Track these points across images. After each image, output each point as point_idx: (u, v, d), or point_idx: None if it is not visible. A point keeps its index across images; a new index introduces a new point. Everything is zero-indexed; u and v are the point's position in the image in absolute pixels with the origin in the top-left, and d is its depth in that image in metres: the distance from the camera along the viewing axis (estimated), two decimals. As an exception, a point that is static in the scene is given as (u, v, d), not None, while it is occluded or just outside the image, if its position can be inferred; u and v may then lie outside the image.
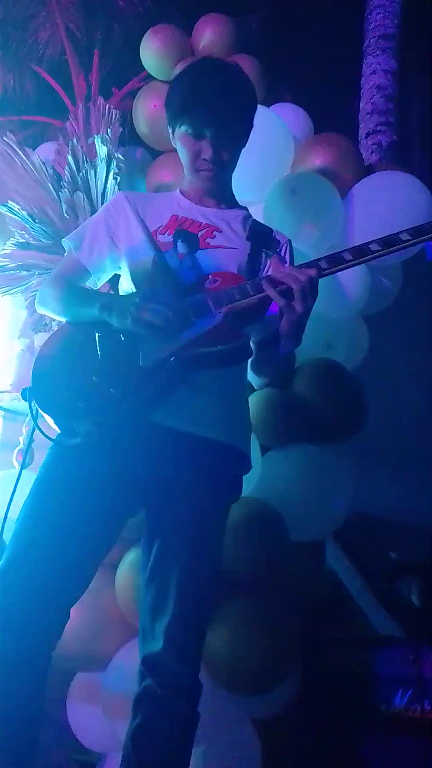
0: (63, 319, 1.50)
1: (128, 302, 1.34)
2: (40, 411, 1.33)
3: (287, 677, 1.86)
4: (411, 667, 1.90)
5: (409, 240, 1.37)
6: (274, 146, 2.38)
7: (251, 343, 1.51)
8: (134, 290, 1.49)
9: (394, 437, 2.81)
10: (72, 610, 1.35)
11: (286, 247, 1.58)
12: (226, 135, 1.47)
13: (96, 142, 2.59)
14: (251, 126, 1.54)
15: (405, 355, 2.82)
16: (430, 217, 2.39)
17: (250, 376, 1.60)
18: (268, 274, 1.45)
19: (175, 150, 1.56)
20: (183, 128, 1.47)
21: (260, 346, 1.53)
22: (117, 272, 1.59)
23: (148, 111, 2.83)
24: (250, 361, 1.54)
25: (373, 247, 1.36)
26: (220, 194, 1.59)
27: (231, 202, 1.61)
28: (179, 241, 1.49)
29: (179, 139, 1.50)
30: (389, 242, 1.37)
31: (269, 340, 1.50)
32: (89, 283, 1.61)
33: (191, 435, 1.38)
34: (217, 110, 1.44)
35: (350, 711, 1.93)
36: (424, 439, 2.93)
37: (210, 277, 1.42)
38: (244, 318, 1.38)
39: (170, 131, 1.53)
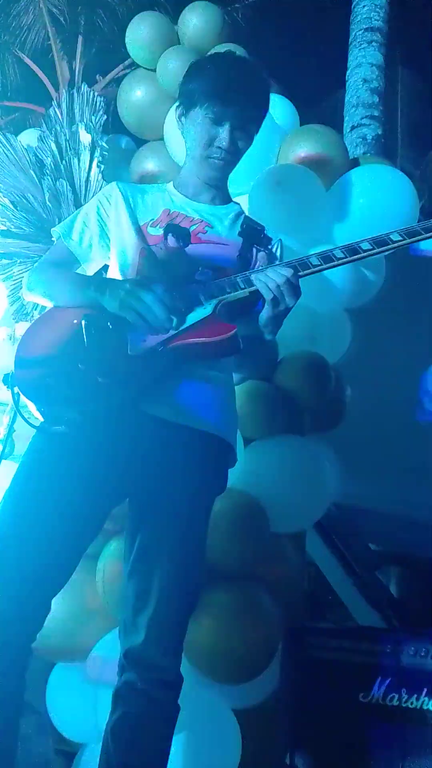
0: (50, 304, 1.48)
1: (120, 287, 1.33)
2: (22, 398, 1.32)
3: (267, 667, 1.88)
4: (390, 657, 1.92)
5: (399, 241, 1.37)
6: (260, 137, 2.36)
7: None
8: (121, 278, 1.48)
9: (375, 429, 2.83)
10: (53, 600, 1.34)
11: (278, 246, 1.59)
12: (245, 126, 1.49)
13: (80, 130, 2.56)
14: (260, 127, 1.55)
15: (387, 348, 2.85)
16: (414, 211, 2.42)
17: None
18: (258, 267, 1.45)
19: (159, 138, 1.55)
20: (203, 111, 1.47)
21: (251, 338, 1.53)
22: (106, 262, 1.58)
23: (133, 99, 2.80)
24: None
25: (365, 246, 1.36)
26: (218, 188, 1.59)
27: (225, 199, 1.62)
28: (170, 234, 1.48)
29: (194, 122, 1.49)
30: (380, 243, 1.36)
31: (252, 336, 1.50)
32: (79, 272, 1.60)
33: (178, 425, 1.38)
34: (243, 100, 1.46)
35: (329, 700, 1.95)
36: (404, 430, 2.96)
37: (200, 269, 1.41)
38: (233, 311, 1.38)
39: (182, 113, 1.53)
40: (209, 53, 1.60)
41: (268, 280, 1.34)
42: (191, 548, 1.39)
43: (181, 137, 1.58)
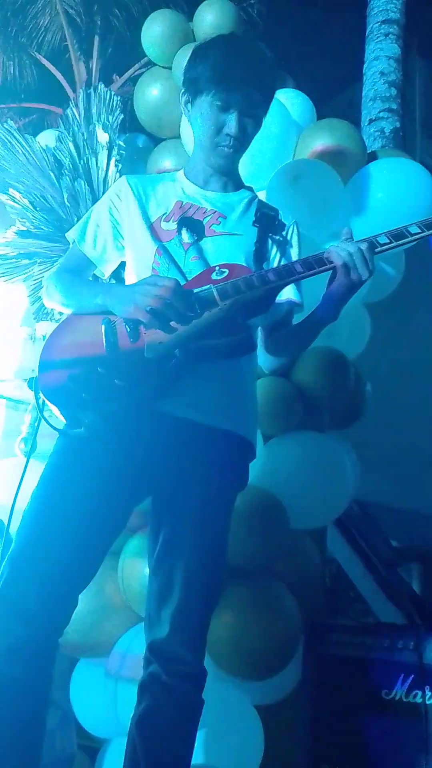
0: (68, 311, 1.49)
1: (132, 290, 1.33)
2: (45, 400, 1.33)
3: (289, 663, 1.88)
4: (412, 653, 1.91)
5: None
6: (277, 132, 2.36)
7: (260, 328, 1.50)
8: (136, 278, 1.48)
9: (395, 424, 2.81)
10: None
11: (293, 230, 1.57)
12: (253, 112, 1.46)
13: (97, 129, 2.57)
14: (268, 110, 1.52)
15: (406, 343, 2.82)
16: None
17: (264, 360, 1.59)
18: (274, 266, 1.45)
19: (176, 137, 1.54)
20: (209, 98, 1.43)
21: (273, 327, 1.52)
22: (123, 260, 1.57)
23: (149, 98, 2.81)
24: (263, 346, 1.53)
25: (413, 229, 1.38)
26: (229, 174, 1.56)
27: (237, 185, 1.59)
28: (183, 228, 1.46)
29: (202, 109, 1.45)
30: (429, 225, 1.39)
31: (279, 322, 1.50)
32: (97, 273, 1.60)
33: (198, 424, 1.38)
34: (250, 85, 1.42)
35: (352, 697, 1.94)
36: (424, 426, 2.94)
37: (217, 268, 1.39)
38: (249, 310, 1.37)
39: (188, 100, 1.49)
40: (212, 36, 1.55)
41: (339, 249, 1.35)
42: (214, 543, 1.39)
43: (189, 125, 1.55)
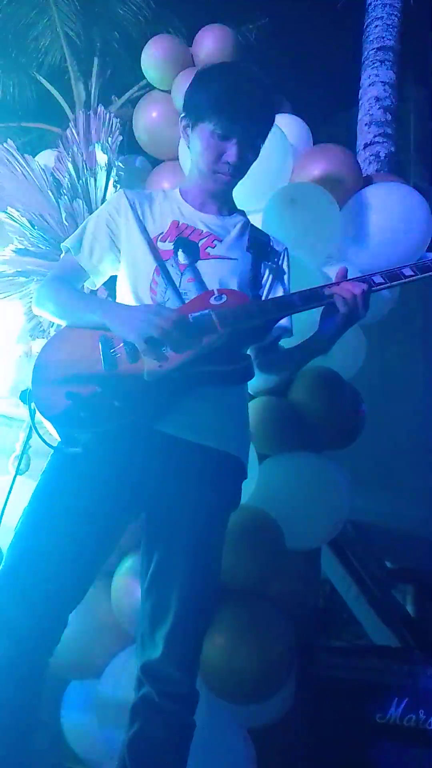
0: (61, 322, 1.49)
1: (133, 315, 1.33)
2: (39, 416, 1.33)
3: (282, 686, 1.86)
4: (406, 677, 1.90)
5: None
6: (274, 156, 2.39)
7: (252, 349, 1.51)
8: (132, 295, 1.48)
9: (390, 445, 2.81)
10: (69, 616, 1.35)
11: (284, 256, 1.59)
12: (252, 142, 1.48)
13: (96, 151, 2.60)
14: (266, 139, 1.54)
15: (401, 365, 2.84)
16: (429, 227, 2.43)
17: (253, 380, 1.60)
18: (273, 297, 1.47)
19: (174, 158, 1.56)
20: (210, 126, 1.44)
21: (260, 350, 1.54)
22: (115, 273, 1.57)
23: (148, 120, 2.85)
24: (258, 362, 1.55)
25: (407, 272, 1.43)
26: (224, 199, 1.58)
27: (231, 209, 1.61)
28: (180, 250, 1.47)
29: (202, 136, 1.47)
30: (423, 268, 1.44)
31: (268, 346, 1.53)
32: (87, 284, 1.60)
33: (192, 444, 1.38)
34: (251, 114, 1.45)
35: (345, 720, 1.92)
36: (419, 447, 2.94)
37: (216, 292, 1.40)
38: (246, 338, 1.39)
39: (188, 125, 1.50)
40: (215, 63, 1.57)
41: (343, 291, 1.38)
42: (208, 563, 1.39)
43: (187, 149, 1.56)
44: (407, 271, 1.42)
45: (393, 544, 3.16)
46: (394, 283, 1.42)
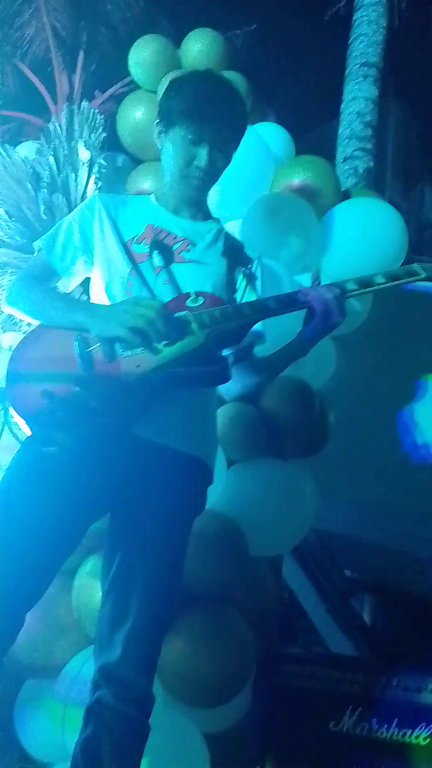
0: (34, 321, 1.47)
1: (114, 309, 1.33)
2: (12, 413, 1.32)
3: (240, 691, 1.87)
4: (362, 687, 1.93)
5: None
6: (255, 164, 2.41)
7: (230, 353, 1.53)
8: (107, 297, 1.48)
9: (355, 456, 2.86)
10: (26, 615, 1.33)
11: (257, 264, 1.60)
12: (223, 147, 1.50)
13: (79, 147, 2.58)
14: (238, 145, 1.56)
15: (371, 377, 2.88)
16: (402, 244, 2.48)
17: (228, 386, 1.61)
18: (252, 298, 1.48)
19: (157, 159, 1.57)
20: (182, 131, 1.46)
21: (235, 357, 1.54)
22: (88, 276, 1.57)
23: (132, 119, 2.84)
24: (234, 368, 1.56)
25: (378, 279, 1.46)
26: (198, 205, 1.59)
27: (206, 215, 1.62)
28: (155, 252, 1.48)
29: (173, 141, 1.49)
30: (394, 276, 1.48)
31: (241, 352, 1.52)
32: (60, 286, 1.59)
33: (161, 446, 1.39)
34: (222, 120, 1.47)
35: (300, 727, 1.95)
36: (383, 459, 2.99)
37: (193, 294, 1.41)
38: (223, 340, 1.40)
39: (161, 131, 1.52)
40: (189, 70, 1.60)
41: (318, 295, 1.40)
42: (171, 567, 1.39)
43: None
44: (378, 279, 1.46)
45: (353, 554, 3.21)
46: (366, 290, 1.46)
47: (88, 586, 1.89)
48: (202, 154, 1.46)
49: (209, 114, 1.45)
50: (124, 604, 1.33)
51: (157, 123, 1.54)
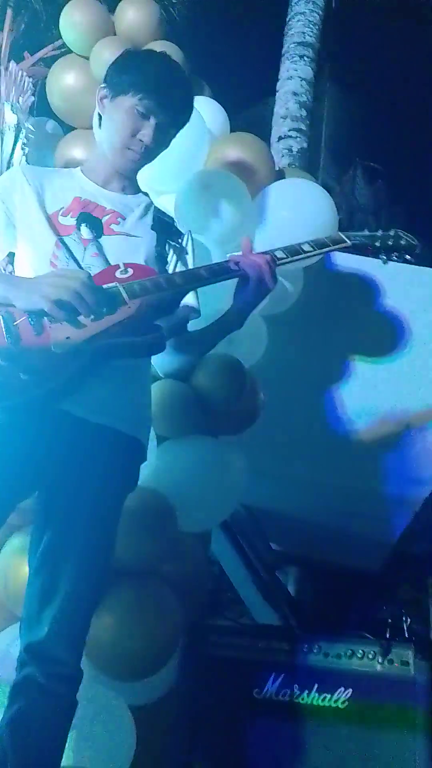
0: None
1: (38, 281, 1.30)
2: None
3: (166, 663, 1.90)
4: (284, 654, 1.99)
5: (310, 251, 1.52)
6: (191, 139, 2.38)
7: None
8: (32, 271, 1.44)
9: (283, 434, 2.92)
10: None
11: (188, 238, 1.61)
12: (168, 129, 1.51)
13: (5, 109, 2.48)
14: (177, 133, 1.57)
15: (301, 359, 2.94)
16: (333, 226, 2.52)
17: (163, 360, 1.61)
18: (183, 269, 1.47)
19: (88, 127, 1.53)
20: (134, 101, 1.45)
21: (169, 330, 1.54)
22: (12, 251, 1.52)
23: (63, 85, 2.74)
24: (170, 343, 1.55)
25: (305, 248, 1.51)
26: (129, 179, 1.58)
27: (135, 189, 1.61)
28: (83, 224, 1.46)
29: (121, 109, 1.47)
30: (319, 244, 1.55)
31: (176, 326, 1.53)
32: None
33: (91, 423, 1.37)
34: (174, 104, 1.48)
35: (226, 697, 1.99)
36: (312, 437, 3.07)
37: (122, 266, 1.40)
38: (156, 311, 1.39)
39: (107, 95, 1.50)
40: (145, 48, 1.60)
41: (251, 261, 1.42)
42: (100, 545, 1.40)
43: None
44: (306, 247, 1.51)
45: (280, 528, 3.29)
46: (295, 258, 1.50)
47: (14, 564, 1.86)
48: (148, 129, 1.46)
49: (164, 93, 1.46)
50: (53, 582, 1.33)
51: (104, 87, 1.51)
